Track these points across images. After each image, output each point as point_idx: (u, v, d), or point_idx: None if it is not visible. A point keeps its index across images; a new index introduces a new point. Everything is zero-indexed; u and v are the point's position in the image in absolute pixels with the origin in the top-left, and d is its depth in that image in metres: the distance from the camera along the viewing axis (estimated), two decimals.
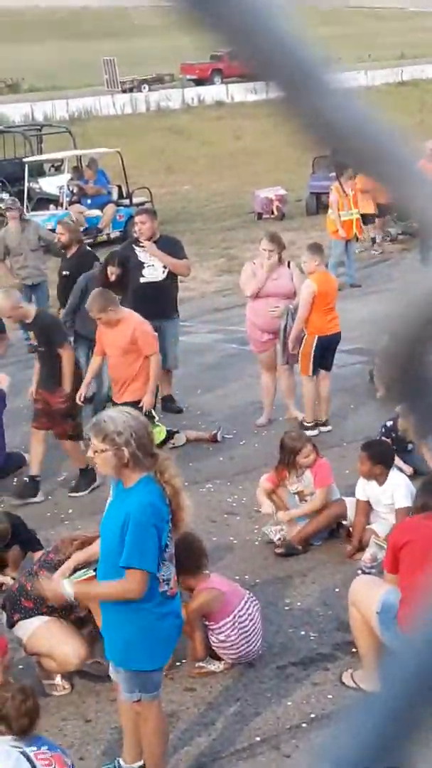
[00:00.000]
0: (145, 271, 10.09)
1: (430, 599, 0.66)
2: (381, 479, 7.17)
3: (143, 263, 10.09)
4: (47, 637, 5.82)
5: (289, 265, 9.86)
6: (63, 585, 5.00)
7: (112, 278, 9.78)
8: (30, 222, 13.80)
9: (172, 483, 4.64)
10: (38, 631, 5.84)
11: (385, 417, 8.52)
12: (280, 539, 7.50)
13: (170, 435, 9.53)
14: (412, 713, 0.60)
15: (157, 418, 9.45)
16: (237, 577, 6.86)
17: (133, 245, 10.33)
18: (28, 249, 13.15)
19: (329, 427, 9.87)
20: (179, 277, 10.63)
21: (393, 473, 7.24)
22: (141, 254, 10.12)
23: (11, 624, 6.01)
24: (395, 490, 7.11)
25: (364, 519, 7.35)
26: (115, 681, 4.96)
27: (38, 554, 6.86)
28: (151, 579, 4.54)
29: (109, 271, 9.83)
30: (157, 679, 4.80)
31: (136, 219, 10.46)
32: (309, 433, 9.76)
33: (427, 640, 0.63)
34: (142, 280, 10.06)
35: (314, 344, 9.53)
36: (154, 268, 10.09)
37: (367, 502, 7.32)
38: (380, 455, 7.22)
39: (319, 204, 22.12)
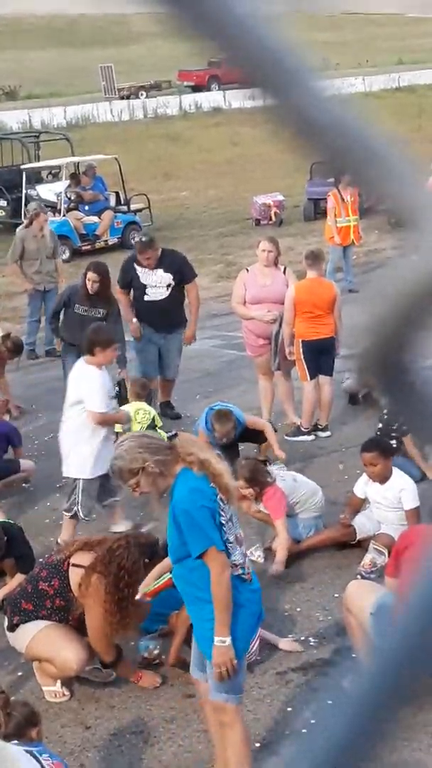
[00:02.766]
0: (148, 291, 10.01)
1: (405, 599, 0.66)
2: (388, 476, 7.18)
3: (146, 285, 10.00)
4: (47, 643, 5.81)
5: (284, 271, 9.88)
6: (215, 645, 4.50)
7: (92, 289, 9.69)
8: (49, 228, 13.86)
9: (193, 459, 4.49)
10: (38, 636, 5.83)
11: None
12: (260, 555, 7.49)
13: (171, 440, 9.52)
14: (382, 710, 0.61)
15: (161, 424, 9.42)
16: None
17: (135, 264, 10.10)
18: (44, 255, 13.21)
19: (328, 433, 9.88)
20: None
21: (397, 474, 7.24)
22: (143, 276, 9.98)
23: (11, 626, 5.99)
24: (402, 492, 7.11)
25: (354, 515, 7.42)
26: (200, 682, 4.87)
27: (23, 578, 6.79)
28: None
29: (88, 277, 9.72)
30: (241, 679, 4.65)
31: (140, 256, 9.94)
32: (305, 438, 9.81)
33: (400, 637, 0.64)
34: (146, 298, 10.00)
35: (301, 349, 9.59)
36: (156, 288, 9.97)
37: (363, 500, 7.36)
38: (388, 449, 7.23)
39: (316, 210, 22.19)
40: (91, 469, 7.61)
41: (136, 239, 9.99)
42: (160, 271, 9.92)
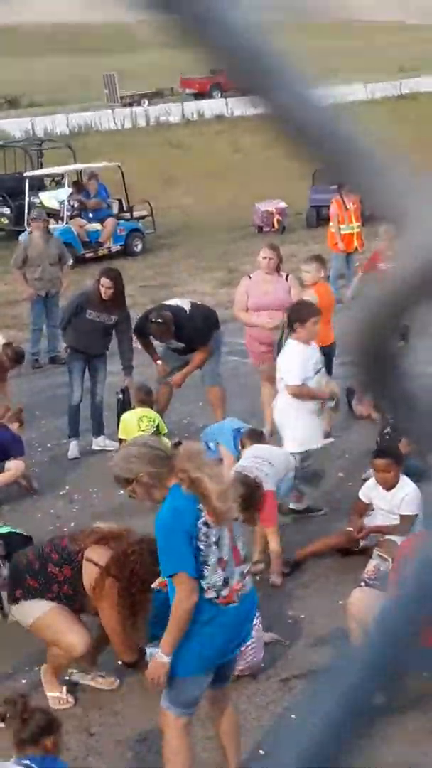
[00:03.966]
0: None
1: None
2: (396, 483, 7.17)
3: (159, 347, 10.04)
4: (53, 625, 5.76)
5: (287, 278, 9.89)
6: (154, 657, 4.63)
7: (106, 295, 9.72)
8: (52, 235, 13.87)
9: (184, 477, 4.42)
10: (44, 618, 5.77)
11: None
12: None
13: (175, 447, 9.50)
14: (368, 702, 0.62)
15: (165, 431, 9.41)
16: None
17: (151, 335, 9.85)
18: (47, 262, 13.21)
19: (331, 439, 9.87)
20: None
21: (402, 480, 7.23)
22: (156, 344, 10.03)
23: (13, 599, 5.93)
24: (405, 497, 7.10)
25: (360, 520, 7.37)
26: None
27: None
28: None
29: (101, 284, 9.73)
30: (188, 696, 4.62)
31: (155, 337, 9.76)
32: None
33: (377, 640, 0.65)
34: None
35: None
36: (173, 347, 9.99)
37: (368, 505, 7.34)
38: (401, 456, 7.22)
39: (319, 217, 22.25)
40: (300, 444, 7.63)
41: (152, 320, 9.51)
42: (173, 340, 9.79)
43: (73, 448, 10.06)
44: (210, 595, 4.48)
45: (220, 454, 8.58)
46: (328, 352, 9.67)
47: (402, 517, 7.06)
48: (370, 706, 0.63)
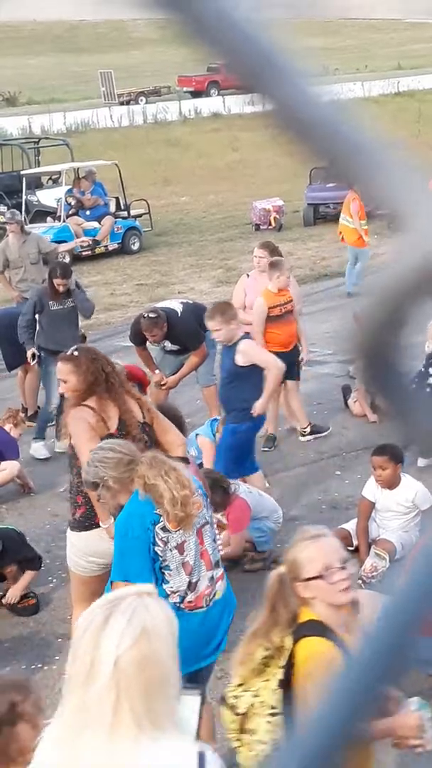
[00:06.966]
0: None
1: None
2: (396, 483, 7.15)
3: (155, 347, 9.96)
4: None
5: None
6: None
7: (60, 289, 10.04)
8: (30, 234, 13.77)
9: (140, 483, 4.37)
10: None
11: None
12: None
13: None
14: (368, 696, 0.62)
15: None
16: (238, 586, 6.84)
17: (147, 339, 9.62)
18: (28, 262, 13.14)
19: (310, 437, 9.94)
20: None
21: (406, 479, 7.22)
22: (150, 348, 9.93)
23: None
24: (417, 494, 7.08)
25: (366, 523, 7.32)
26: None
27: (32, 574, 6.84)
28: (159, 589, 4.42)
29: (56, 283, 10.01)
30: None
31: (146, 333, 9.41)
32: (304, 438, 9.82)
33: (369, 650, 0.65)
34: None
35: None
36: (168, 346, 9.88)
37: (373, 504, 7.29)
38: (399, 454, 7.20)
39: (316, 215, 22.27)
40: None
41: (144, 315, 9.36)
42: (167, 342, 9.63)
43: (41, 449, 10.15)
44: (174, 600, 4.41)
45: (201, 448, 8.53)
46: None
47: (425, 512, 7.07)
48: (376, 702, 0.64)
